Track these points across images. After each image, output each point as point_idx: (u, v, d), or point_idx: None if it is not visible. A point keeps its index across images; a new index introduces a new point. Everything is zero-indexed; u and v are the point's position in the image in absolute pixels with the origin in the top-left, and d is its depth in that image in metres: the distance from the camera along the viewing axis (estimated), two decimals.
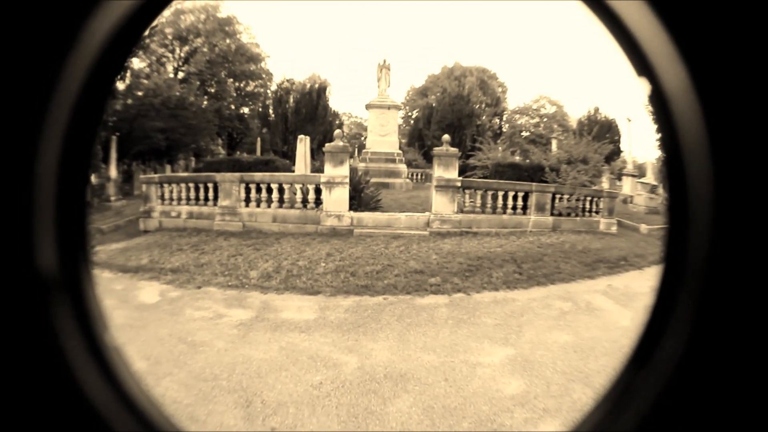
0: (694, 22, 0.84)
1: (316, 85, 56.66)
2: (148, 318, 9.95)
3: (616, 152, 55.50)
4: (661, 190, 41.71)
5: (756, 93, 0.83)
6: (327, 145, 18.61)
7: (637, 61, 0.93)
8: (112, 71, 0.95)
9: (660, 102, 0.92)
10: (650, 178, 37.10)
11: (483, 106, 77.60)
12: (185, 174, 23.01)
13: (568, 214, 20.73)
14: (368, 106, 38.32)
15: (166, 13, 63.10)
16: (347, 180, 18.21)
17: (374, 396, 7.03)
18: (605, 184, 25.77)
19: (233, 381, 7.27)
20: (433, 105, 67.22)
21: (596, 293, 12.45)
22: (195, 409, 6.52)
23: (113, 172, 30.81)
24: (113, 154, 31.54)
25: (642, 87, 0.94)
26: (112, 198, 28.89)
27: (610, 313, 11.05)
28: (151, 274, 12.98)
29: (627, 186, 37.80)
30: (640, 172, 43.83)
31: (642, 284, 13.61)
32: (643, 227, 23.94)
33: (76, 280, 0.98)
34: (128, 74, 48.13)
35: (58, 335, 0.93)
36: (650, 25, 0.88)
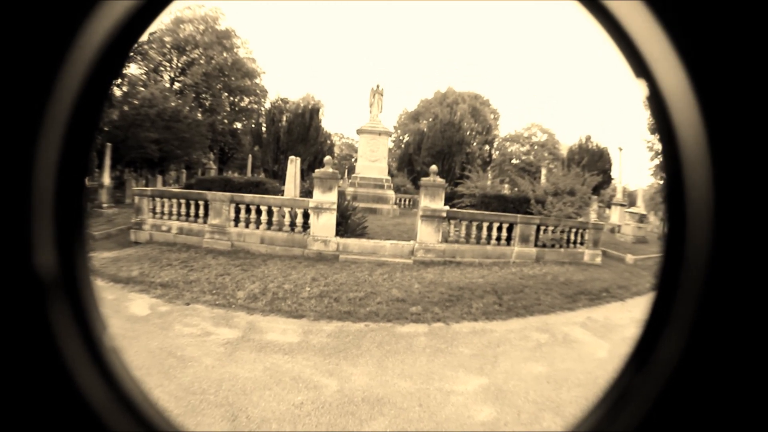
0: (693, 21, 0.85)
1: (310, 106, 56.44)
2: (140, 330, 10.13)
3: (607, 181, 55.40)
4: (652, 218, 41.89)
5: (756, 94, 0.84)
6: (317, 171, 18.79)
7: (635, 63, 0.93)
8: (111, 72, 0.95)
9: (658, 103, 0.93)
10: (640, 206, 37.21)
11: (474, 133, 77.46)
12: (177, 190, 23.01)
13: (553, 246, 20.98)
14: (359, 131, 38.52)
15: (166, 21, 62.87)
16: (335, 206, 18.37)
17: (352, 417, 7.25)
18: (593, 214, 25.94)
19: (220, 396, 7.51)
20: (425, 131, 67.03)
21: (575, 325, 12.54)
22: (184, 420, 6.75)
23: (106, 179, 30.85)
24: (107, 161, 31.58)
25: (640, 89, 0.94)
26: (104, 205, 29.10)
27: (587, 345, 11.13)
28: (141, 287, 13.17)
29: (615, 215, 38.11)
30: (630, 200, 43.99)
31: (622, 316, 13.81)
32: (629, 257, 24.19)
33: (74, 280, 0.98)
34: (125, 81, 48.16)
35: (56, 335, 0.93)
36: (648, 25, 0.88)
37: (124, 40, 0.93)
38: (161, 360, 8.67)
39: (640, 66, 0.93)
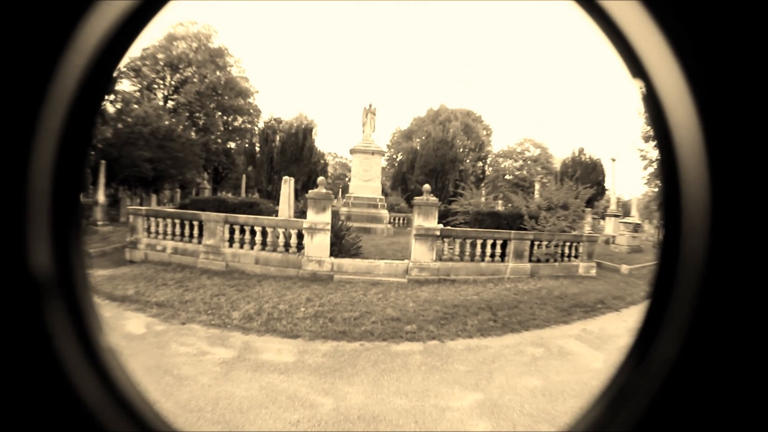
0: (689, 21, 0.84)
1: (303, 126, 56.55)
2: (136, 348, 10.14)
3: (601, 192, 55.51)
4: (646, 226, 42.01)
5: (753, 93, 0.83)
6: (310, 192, 18.82)
7: (632, 62, 0.93)
8: (108, 73, 0.94)
9: (654, 103, 0.92)
10: (634, 216, 37.48)
11: (467, 150, 77.65)
12: (171, 210, 23.03)
13: (547, 260, 21.04)
14: (352, 151, 38.67)
15: (158, 37, 63.03)
16: (329, 226, 18.37)
17: None
18: (587, 227, 26.03)
19: (217, 414, 7.52)
20: (418, 149, 67.21)
21: (570, 338, 12.56)
22: None
23: (101, 196, 30.95)
24: (101, 179, 31.65)
25: (636, 89, 0.94)
26: (99, 222, 29.22)
27: (582, 357, 11.16)
28: (137, 306, 13.17)
29: (609, 226, 38.40)
30: (624, 210, 44.36)
31: (617, 326, 13.87)
32: (624, 268, 24.28)
33: (70, 281, 0.98)
34: (119, 98, 48.29)
35: (53, 337, 0.93)
36: (644, 24, 0.87)
37: (121, 41, 0.93)
38: (158, 378, 8.65)
39: (636, 66, 0.93)
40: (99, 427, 0.97)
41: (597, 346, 11.95)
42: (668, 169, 0.94)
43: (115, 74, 1.00)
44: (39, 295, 0.92)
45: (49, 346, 0.93)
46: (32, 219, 0.90)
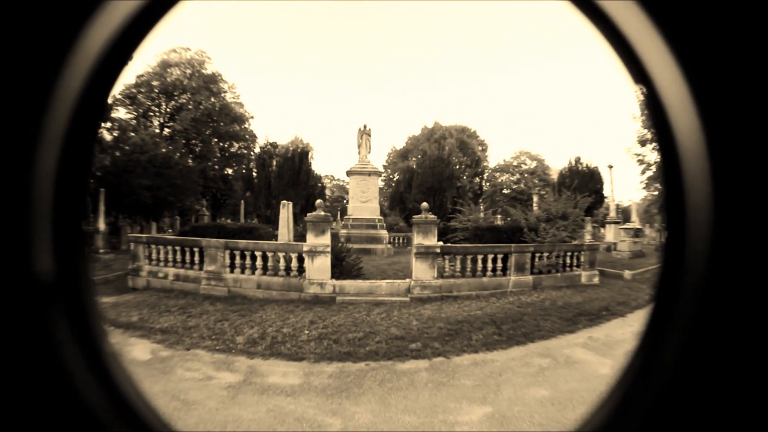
0: (691, 25, 0.84)
1: (299, 150, 56.69)
2: (143, 374, 10.09)
3: (599, 200, 55.47)
4: (647, 230, 42.01)
5: (755, 96, 0.83)
6: (309, 215, 18.84)
7: (632, 66, 0.93)
8: (114, 73, 0.95)
9: (656, 106, 0.92)
10: (634, 221, 37.68)
11: (463, 167, 77.75)
12: (172, 237, 23.08)
13: (549, 271, 21.10)
14: (349, 173, 38.68)
15: (152, 63, 63.47)
16: (329, 249, 18.35)
17: None
18: (587, 236, 26.09)
19: None
20: (414, 168, 67.30)
21: (576, 346, 12.52)
22: None
23: (102, 224, 31.10)
24: (101, 207, 31.77)
25: (635, 93, 0.94)
26: (101, 250, 29.28)
27: (589, 364, 11.11)
28: (141, 332, 13.22)
29: (610, 233, 38.53)
30: (624, 216, 44.56)
31: (624, 331, 13.86)
32: (627, 273, 24.36)
33: (73, 285, 0.98)
34: (116, 126, 48.63)
35: (56, 339, 0.94)
36: (645, 27, 0.87)
37: (127, 42, 0.94)
38: (165, 403, 8.61)
39: (637, 69, 0.94)
40: (101, 429, 0.99)
41: (604, 353, 11.92)
42: (671, 171, 0.94)
43: (119, 77, 0.99)
44: (43, 298, 0.93)
45: (53, 349, 0.94)
46: (36, 223, 0.91)
